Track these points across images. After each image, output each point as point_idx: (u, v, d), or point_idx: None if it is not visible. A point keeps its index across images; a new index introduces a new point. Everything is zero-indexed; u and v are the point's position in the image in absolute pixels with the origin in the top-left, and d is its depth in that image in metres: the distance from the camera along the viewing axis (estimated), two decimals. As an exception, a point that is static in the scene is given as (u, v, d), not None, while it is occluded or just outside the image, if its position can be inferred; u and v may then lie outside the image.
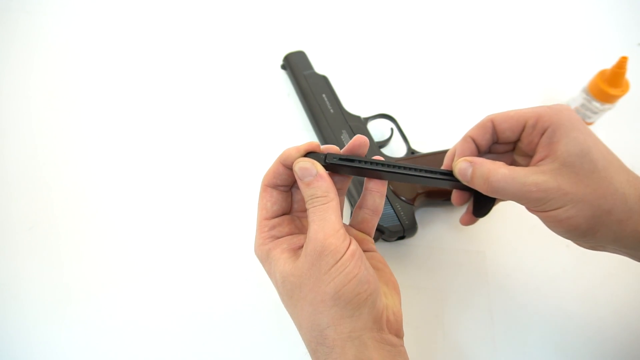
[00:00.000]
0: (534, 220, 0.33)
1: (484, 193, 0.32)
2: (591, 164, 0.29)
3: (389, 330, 0.29)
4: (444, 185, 0.34)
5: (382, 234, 0.43)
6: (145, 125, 0.54)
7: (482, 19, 0.66)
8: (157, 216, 0.47)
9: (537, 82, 0.59)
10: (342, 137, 0.48)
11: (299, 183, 0.30)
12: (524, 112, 0.32)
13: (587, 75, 0.52)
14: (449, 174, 0.34)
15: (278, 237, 0.31)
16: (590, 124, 0.53)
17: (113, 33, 0.61)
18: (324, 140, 0.49)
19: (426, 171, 0.33)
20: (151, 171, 0.50)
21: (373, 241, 0.34)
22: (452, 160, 0.35)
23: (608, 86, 0.48)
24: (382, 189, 0.32)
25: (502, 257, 0.45)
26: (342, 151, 0.32)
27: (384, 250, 0.45)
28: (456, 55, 0.62)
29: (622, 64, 0.47)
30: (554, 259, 0.45)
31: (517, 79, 0.59)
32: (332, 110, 0.50)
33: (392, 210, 0.43)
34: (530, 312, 0.42)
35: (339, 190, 0.32)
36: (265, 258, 0.31)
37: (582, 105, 0.52)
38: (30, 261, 0.44)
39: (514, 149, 0.34)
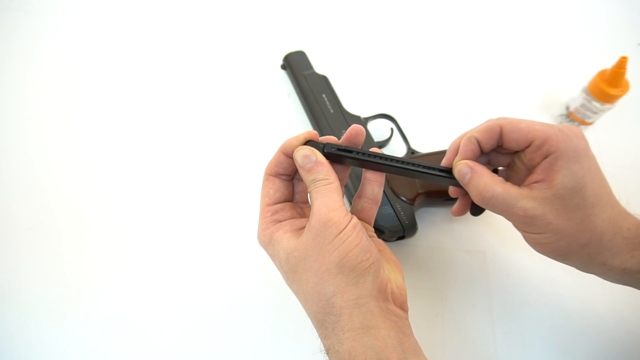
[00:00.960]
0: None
1: (474, 201, 0.33)
2: (581, 199, 0.30)
3: (394, 302, 0.30)
4: (441, 182, 0.35)
5: (382, 233, 0.43)
6: (146, 125, 0.54)
7: (482, 18, 0.66)
8: (158, 216, 0.47)
9: (537, 82, 0.59)
10: (342, 136, 0.48)
11: (300, 171, 0.31)
12: (533, 129, 0.31)
13: (587, 75, 0.52)
14: (447, 171, 0.34)
15: (280, 221, 0.32)
16: (590, 124, 0.53)
17: (112, 33, 0.61)
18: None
19: (424, 167, 0.33)
20: (152, 172, 0.50)
21: (373, 229, 0.35)
22: (454, 156, 0.35)
23: (608, 86, 0.48)
24: (380, 179, 0.33)
25: (502, 257, 0.45)
26: (339, 141, 0.33)
27: (384, 250, 0.45)
28: (456, 55, 0.62)
29: (622, 64, 0.47)
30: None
31: (517, 79, 0.59)
32: (332, 110, 0.50)
33: (392, 210, 0.43)
34: (530, 312, 0.42)
35: (339, 181, 0.32)
36: (268, 241, 0.31)
37: (582, 105, 0.52)
38: (31, 261, 0.44)
39: (515, 152, 0.35)
